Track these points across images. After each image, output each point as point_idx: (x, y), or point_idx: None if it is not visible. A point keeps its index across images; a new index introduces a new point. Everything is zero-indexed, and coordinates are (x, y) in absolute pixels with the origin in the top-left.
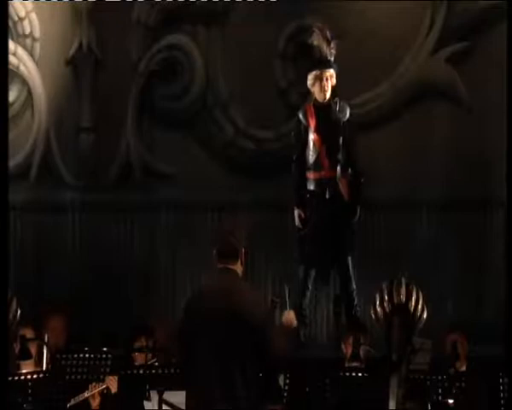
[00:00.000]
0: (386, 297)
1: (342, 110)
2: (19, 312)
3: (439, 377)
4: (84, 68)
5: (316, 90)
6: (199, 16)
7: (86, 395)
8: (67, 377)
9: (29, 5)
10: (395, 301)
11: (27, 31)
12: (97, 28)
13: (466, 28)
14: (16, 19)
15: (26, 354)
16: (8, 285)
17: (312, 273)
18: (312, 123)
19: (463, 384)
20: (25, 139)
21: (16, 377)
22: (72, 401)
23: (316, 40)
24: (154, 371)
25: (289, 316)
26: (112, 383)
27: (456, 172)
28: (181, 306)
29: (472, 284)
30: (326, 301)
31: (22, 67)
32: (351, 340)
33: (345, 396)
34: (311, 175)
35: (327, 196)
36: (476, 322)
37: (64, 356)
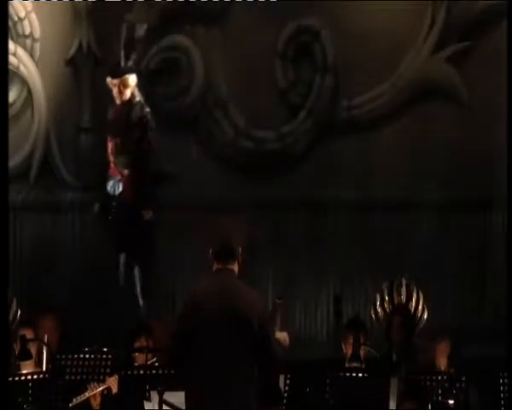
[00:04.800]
0: (386, 297)
1: (137, 110)
2: (19, 312)
3: (439, 378)
4: (83, 68)
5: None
6: (198, 16)
7: (87, 395)
8: (67, 377)
9: (29, 5)
10: (395, 301)
11: (27, 31)
12: (97, 28)
13: (466, 28)
14: (16, 19)
15: (26, 355)
16: (8, 286)
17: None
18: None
19: (463, 385)
20: (25, 139)
21: (16, 378)
22: (74, 401)
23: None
24: (154, 371)
25: (281, 336)
26: (112, 384)
27: (456, 172)
28: (181, 305)
29: (472, 284)
30: (326, 301)
31: (22, 68)
32: (351, 340)
33: (345, 396)
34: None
35: (115, 194)
36: (476, 323)
37: (64, 356)
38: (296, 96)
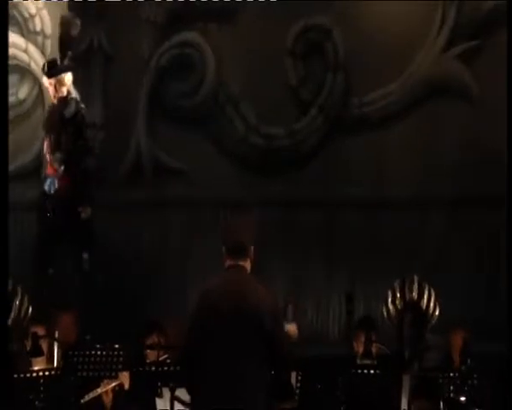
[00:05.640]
0: (398, 295)
1: (72, 106)
2: (30, 309)
3: (451, 375)
4: (94, 66)
5: None
6: (210, 13)
7: (99, 391)
8: (79, 373)
9: (40, 2)
10: (407, 298)
11: (38, 28)
12: (108, 25)
13: (477, 26)
14: (27, 16)
15: (37, 352)
16: (21, 282)
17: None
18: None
19: (475, 382)
20: (36, 136)
21: (28, 374)
22: (86, 398)
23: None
24: (166, 368)
25: (291, 329)
26: (125, 380)
27: (467, 169)
28: (192, 303)
29: (484, 281)
30: (338, 299)
31: (33, 65)
32: (362, 338)
33: (356, 393)
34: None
35: (51, 193)
36: (488, 319)
37: (76, 353)
38: (307, 93)
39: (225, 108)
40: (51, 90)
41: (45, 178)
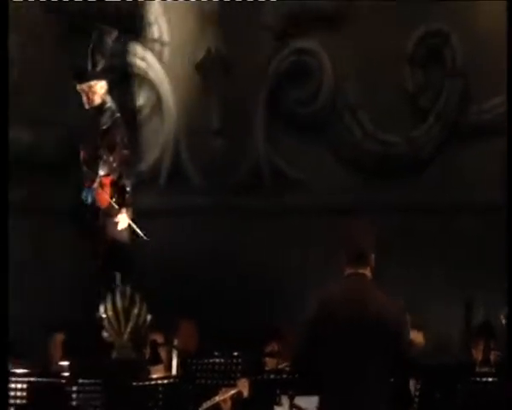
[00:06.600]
0: None
1: (107, 116)
2: (149, 317)
3: None
4: (212, 72)
5: None
6: (327, 19)
7: (218, 399)
8: (198, 381)
9: (158, 9)
10: None
11: (156, 35)
12: (226, 31)
13: None
14: (146, 23)
15: (156, 359)
16: (138, 290)
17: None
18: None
19: None
20: (153, 144)
21: (147, 382)
22: (204, 406)
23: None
24: (285, 375)
25: (417, 337)
26: (243, 388)
27: None
28: (308, 310)
29: None
30: (457, 305)
31: (151, 72)
32: (481, 345)
33: (475, 402)
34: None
35: (88, 203)
36: None
37: (194, 361)
38: (425, 100)
39: (343, 116)
40: (84, 97)
41: (83, 188)
